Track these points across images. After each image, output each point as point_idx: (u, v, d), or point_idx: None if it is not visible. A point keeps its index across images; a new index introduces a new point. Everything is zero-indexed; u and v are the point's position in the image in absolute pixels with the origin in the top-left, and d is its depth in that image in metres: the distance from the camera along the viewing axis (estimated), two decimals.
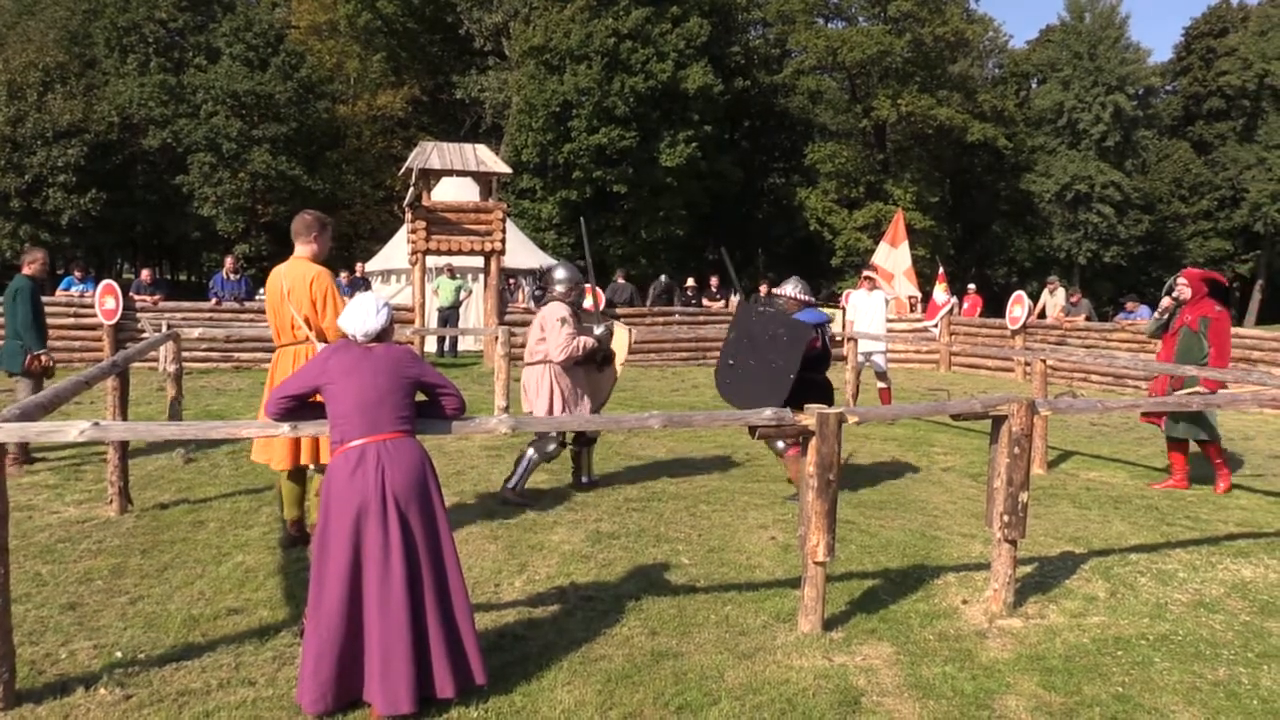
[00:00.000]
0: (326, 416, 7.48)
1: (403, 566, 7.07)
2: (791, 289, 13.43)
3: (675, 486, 13.80)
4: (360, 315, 7.64)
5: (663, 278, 39.55)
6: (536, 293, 32.53)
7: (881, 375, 21.89)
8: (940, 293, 33.60)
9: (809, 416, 8.53)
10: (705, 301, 36.51)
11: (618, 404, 21.64)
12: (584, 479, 13.99)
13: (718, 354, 32.79)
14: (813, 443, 8.51)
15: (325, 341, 10.48)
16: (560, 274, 13.14)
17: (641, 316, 32.30)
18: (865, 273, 23.08)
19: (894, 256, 33.98)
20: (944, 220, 73.11)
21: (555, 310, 12.82)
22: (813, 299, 13.41)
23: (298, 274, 10.58)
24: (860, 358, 21.61)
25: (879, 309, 22.04)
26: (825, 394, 12.78)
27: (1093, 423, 21.43)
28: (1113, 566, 10.99)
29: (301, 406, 7.65)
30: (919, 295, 36.03)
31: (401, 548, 7.09)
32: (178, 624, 8.86)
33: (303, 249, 10.66)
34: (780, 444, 13.07)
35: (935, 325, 33.23)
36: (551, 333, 12.63)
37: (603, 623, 9.11)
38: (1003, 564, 9.62)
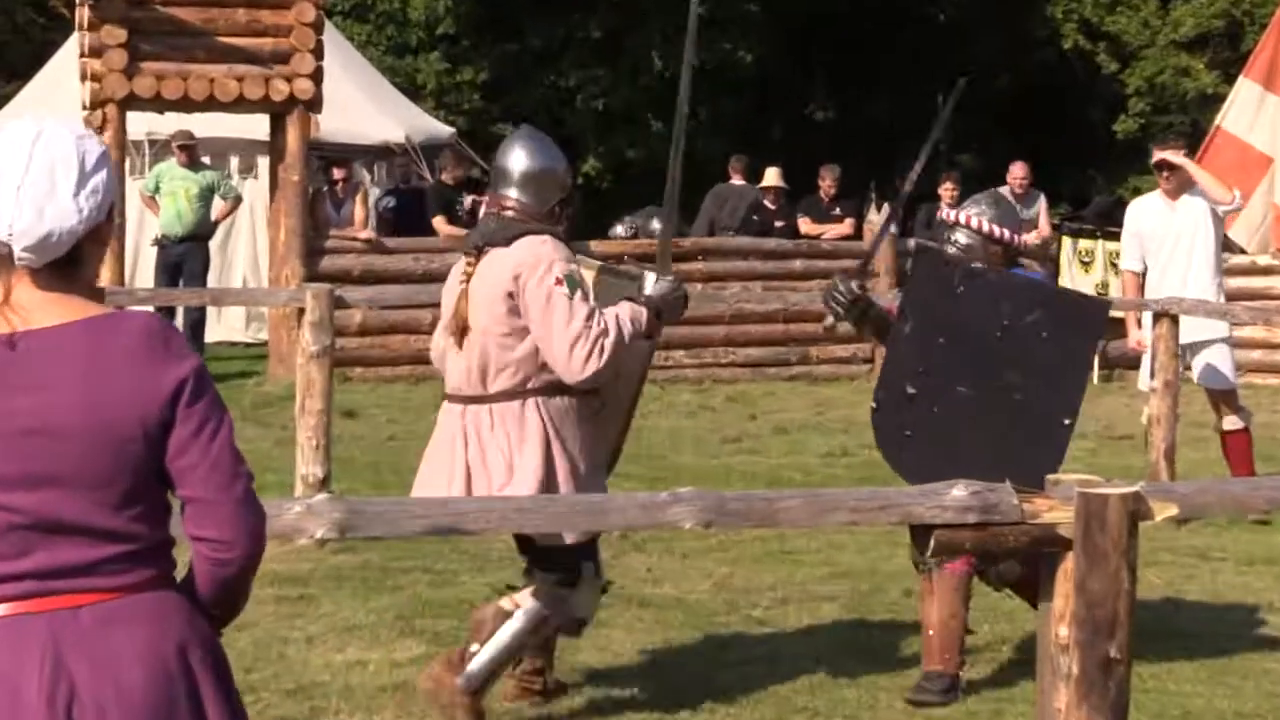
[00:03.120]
0: None
1: None
2: (992, 210, 7.60)
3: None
4: (20, 176, 3.19)
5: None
6: (388, 202, 20.58)
7: (1224, 397, 11.78)
8: None
9: (1055, 501, 5.06)
10: (808, 225, 19.45)
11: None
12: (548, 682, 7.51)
13: (848, 356, 20.11)
14: (1063, 567, 5.07)
15: None
16: (521, 160, 7.08)
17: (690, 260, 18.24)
18: (1160, 153, 11.75)
19: (1270, 115, 18.48)
20: None
21: (536, 253, 6.79)
22: (1018, 235, 7.69)
23: None
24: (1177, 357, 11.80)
25: (1203, 239, 11.48)
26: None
27: None
28: None
29: None
30: None
31: None
32: None
33: None
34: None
35: None
36: (548, 313, 6.75)
37: None
38: None
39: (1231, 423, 11.11)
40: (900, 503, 5.25)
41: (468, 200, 17.51)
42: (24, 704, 3.21)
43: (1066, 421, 6.69)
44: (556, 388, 6.69)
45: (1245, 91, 18.15)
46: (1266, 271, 17.73)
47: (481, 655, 6.85)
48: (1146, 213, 11.30)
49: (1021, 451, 6.53)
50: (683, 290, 7.06)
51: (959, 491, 5.13)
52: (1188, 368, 11.43)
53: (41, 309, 3.19)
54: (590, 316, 6.50)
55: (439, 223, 17.08)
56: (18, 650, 3.22)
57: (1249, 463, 11.29)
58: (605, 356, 6.55)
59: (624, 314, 6.69)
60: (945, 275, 7.26)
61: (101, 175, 3.27)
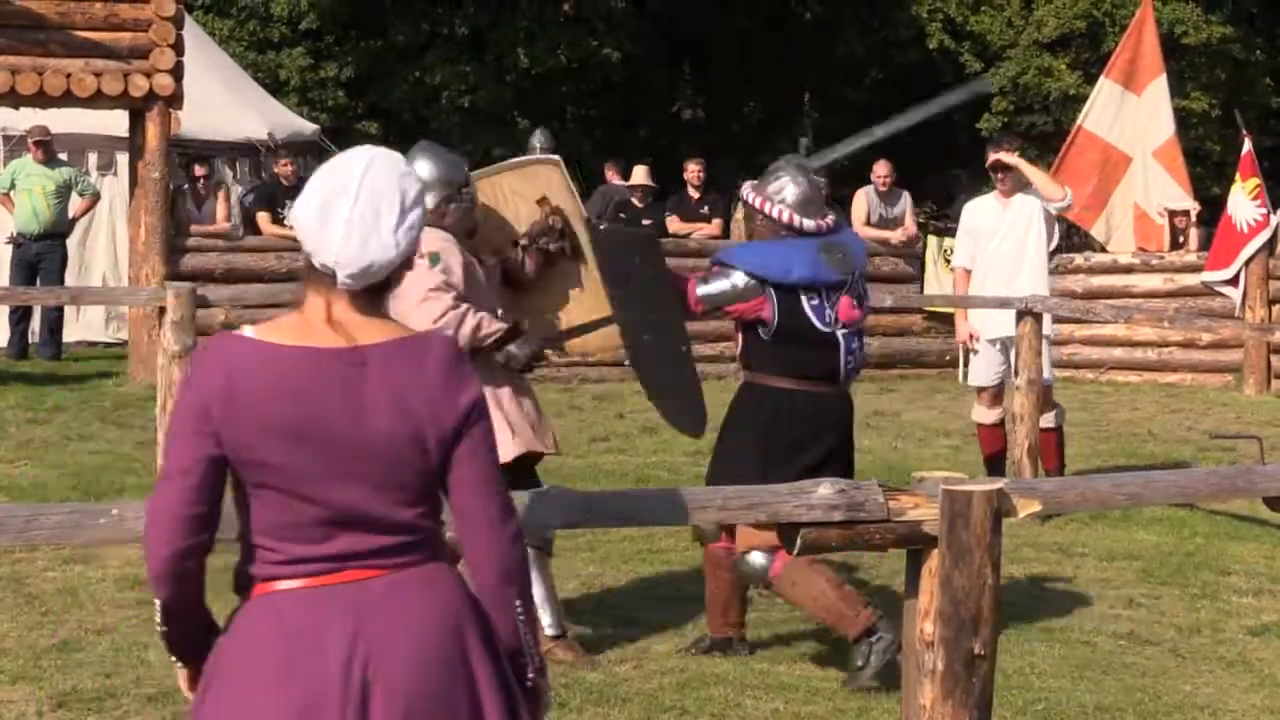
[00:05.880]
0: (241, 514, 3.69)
1: None
2: (771, 182, 7.64)
3: None
4: (349, 209, 3.43)
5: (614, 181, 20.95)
6: (247, 197, 18.93)
7: (1043, 393, 11.49)
8: (1243, 201, 17.33)
9: (920, 498, 5.01)
10: (676, 224, 18.77)
11: None
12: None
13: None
14: (928, 564, 5.05)
15: None
16: (424, 169, 7.43)
17: None
18: (995, 155, 11.50)
19: (1130, 114, 18.61)
20: (1249, 24, 33.77)
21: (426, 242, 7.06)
22: (805, 219, 7.53)
23: None
24: (992, 352, 11.46)
25: (1034, 238, 11.32)
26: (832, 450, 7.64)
27: None
28: None
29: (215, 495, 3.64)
30: (1194, 209, 18.96)
31: None
32: None
33: None
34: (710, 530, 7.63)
35: (1234, 278, 17.31)
36: (407, 294, 6.76)
37: None
38: None
39: (1046, 420, 11.35)
40: (768, 501, 5.18)
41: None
42: (327, 666, 3.52)
43: (684, 348, 7.26)
44: None
45: (1106, 91, 18.47)
46: (1128, 270, 17.88)
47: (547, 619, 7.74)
48: (980, 211, 11.48)
49: (679, 389, 7.26)
50: (523, 358, 7.45)
51: (826, 490, 5.08)
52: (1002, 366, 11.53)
53: (357, 325, 3.51)
54: (438, 288, 7.05)
55: (262, 219, 16.73)
56: (321, 617, 3.55)
57: (1059, 458, 11.61)
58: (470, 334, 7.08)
59: (478, 320, 7.23)
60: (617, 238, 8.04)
61: (418, 211, 3.56)
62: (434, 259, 7.20)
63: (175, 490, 3.57)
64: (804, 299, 7.39)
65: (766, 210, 7.53)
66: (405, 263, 3.58)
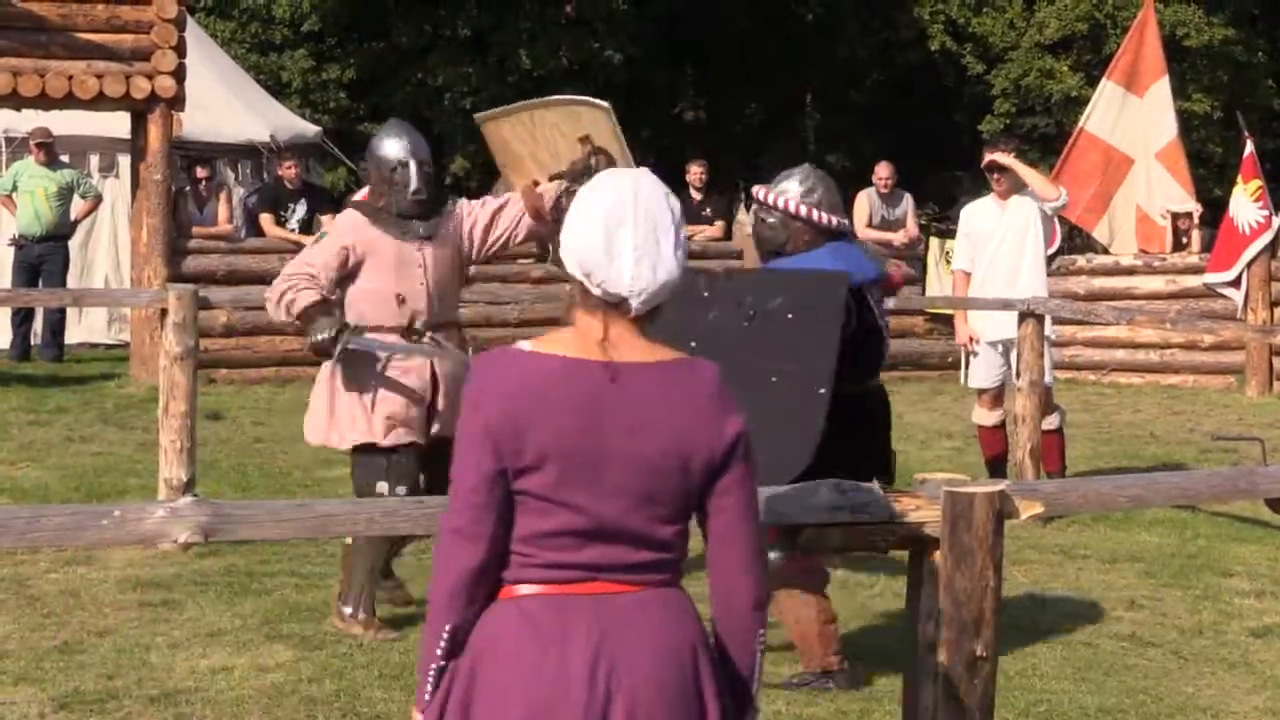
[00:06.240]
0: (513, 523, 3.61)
1: None
2: (797, 187, 7.23)
3: None
4: (633, 238, 3.52)
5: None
6: (250, 199, 18.55)
7: (1044, 395, 11.32)
8: (1245, 203, 17.23)
9: (922, 500, 4.89)
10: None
11: None
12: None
13: None
14: (935, 559, 4.90)
15: None
16: (390, 146, 7.57)
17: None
18: (990, 155, 11.42)
19: (1132, 116, 18.39)
20: (1251, 26, 33.61)
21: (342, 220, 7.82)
22: (840, 219, 7.34)
23: None
24: (992, 354, 11.36)
25: (1032, 239, 11.19)
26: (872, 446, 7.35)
27: None
28: None
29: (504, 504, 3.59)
30: (1196, 210, 18.65)
31: None
32: None
33: None
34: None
35: (1236, 280, 17.15)
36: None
37: None
38: None
39: (1048, 422, 11.22)
40: (769, 502, 4.97)
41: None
42: (571, 671, 3.55)
43: (822, 390, 6.58)
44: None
45: (1108, 93, 18.22)
46: (1130, 272, 17.72)
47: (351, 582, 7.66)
48: (978, 214, 11.28)
49: (784, 428, 6.48)
50: (312, 341, 7.27)
51: (827, 491, 5.02)
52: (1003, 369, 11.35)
53: (632, 346, 3.58)
54: (299, 266, 7.25)
55: (265, 221, 16.55)
56: (567, 623, 3.58)
57: (1061, 460, 11.51)
58: (275, 304, 7.28)
59: (294, 296, 7.23)
60: (692, 284, 6.99)
61: (684, 227, 3.70)
62: (320, 236, 7.61)
63: (467, 508, 3.55)
64: (869, 296, 7.17)
65: (815, 219, 7.16)
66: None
